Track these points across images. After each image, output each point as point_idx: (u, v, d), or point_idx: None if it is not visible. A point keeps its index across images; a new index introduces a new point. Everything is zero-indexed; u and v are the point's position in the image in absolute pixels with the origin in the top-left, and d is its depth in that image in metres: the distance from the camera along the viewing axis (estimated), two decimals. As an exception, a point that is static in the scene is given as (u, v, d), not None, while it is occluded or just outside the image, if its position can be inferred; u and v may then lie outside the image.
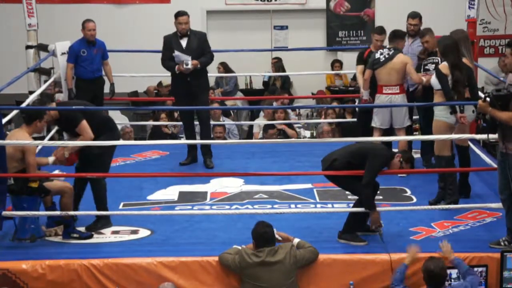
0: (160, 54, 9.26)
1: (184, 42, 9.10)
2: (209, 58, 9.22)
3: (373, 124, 8.84)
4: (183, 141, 10.22)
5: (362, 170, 6.76)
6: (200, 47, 9.13)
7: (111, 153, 7.38)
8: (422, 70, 8.68)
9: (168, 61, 9.14)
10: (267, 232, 6.39)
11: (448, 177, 7.64)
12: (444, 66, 7.64)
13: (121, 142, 7.18)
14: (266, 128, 11.32)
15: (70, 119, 7.07)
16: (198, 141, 9.38)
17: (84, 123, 7.03)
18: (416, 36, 9.11)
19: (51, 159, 7.11)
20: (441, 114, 7.66)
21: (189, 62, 8.90)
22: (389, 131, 8.81)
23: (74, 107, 7.19)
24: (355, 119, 10.44)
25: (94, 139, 7.06)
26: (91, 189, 7.32)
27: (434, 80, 7.77)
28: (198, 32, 9.37)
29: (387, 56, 8.61)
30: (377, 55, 8.67)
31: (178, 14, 9.19)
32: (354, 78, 11.93)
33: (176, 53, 8.98)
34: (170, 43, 9.14)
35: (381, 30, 9.13)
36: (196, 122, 9.55)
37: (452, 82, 7.55)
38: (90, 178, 7.22)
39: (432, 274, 6.02)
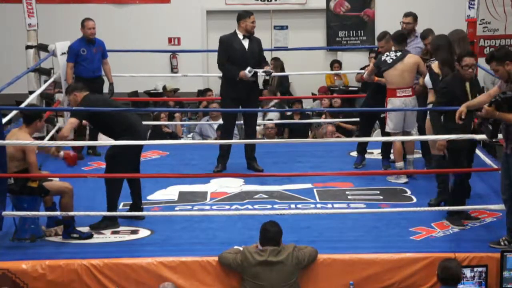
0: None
1: (246, 43, 8.78)
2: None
3: (387, 129, 8.66)
4: (183, 141, 10.24)
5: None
6: (260, 51, 8.91)
7: (126, 155, 7.37)
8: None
9: (229, 65, 8.74)
10: (268, 230, 6.39)
11: (439, 176, 7.61)
12: (436, 65, 7.64)
13: (120, 142, 7.18)
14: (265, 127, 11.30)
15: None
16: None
17: (71, 119, 7.22)
18: (409, 35, 9.00)
19: (61, 153, 7.24)
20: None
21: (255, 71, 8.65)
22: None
23: (74, 108, 7.23)
24: (357, 119, 10.40)
25: (116, 140, 7.22)
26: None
27: (427, 79, 7.77)
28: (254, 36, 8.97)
29: (394, 57, 8.47)
30: (383, 57, 8.54)
31: (249, 14, 8.79)
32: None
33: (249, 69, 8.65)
34: (231, 44, 8.77)
35: (379, 37, 8.88)
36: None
37: (441, 80, 7.53)
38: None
39: (442, 276, 5.96)
